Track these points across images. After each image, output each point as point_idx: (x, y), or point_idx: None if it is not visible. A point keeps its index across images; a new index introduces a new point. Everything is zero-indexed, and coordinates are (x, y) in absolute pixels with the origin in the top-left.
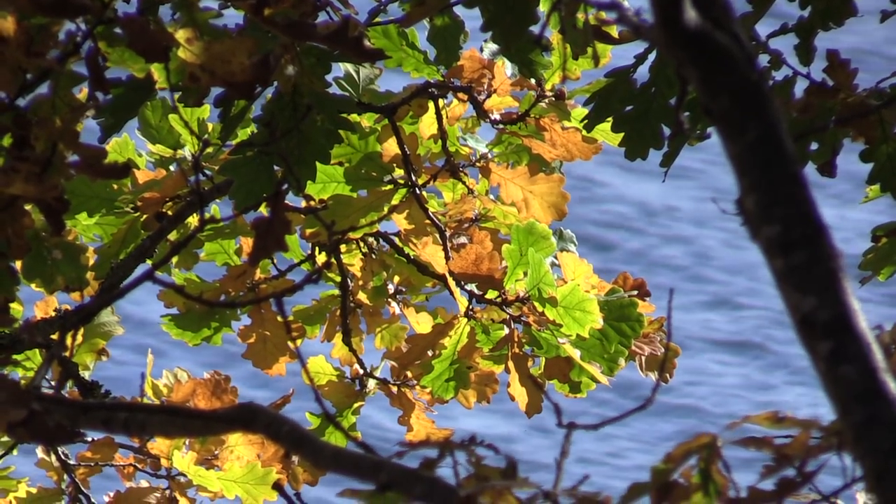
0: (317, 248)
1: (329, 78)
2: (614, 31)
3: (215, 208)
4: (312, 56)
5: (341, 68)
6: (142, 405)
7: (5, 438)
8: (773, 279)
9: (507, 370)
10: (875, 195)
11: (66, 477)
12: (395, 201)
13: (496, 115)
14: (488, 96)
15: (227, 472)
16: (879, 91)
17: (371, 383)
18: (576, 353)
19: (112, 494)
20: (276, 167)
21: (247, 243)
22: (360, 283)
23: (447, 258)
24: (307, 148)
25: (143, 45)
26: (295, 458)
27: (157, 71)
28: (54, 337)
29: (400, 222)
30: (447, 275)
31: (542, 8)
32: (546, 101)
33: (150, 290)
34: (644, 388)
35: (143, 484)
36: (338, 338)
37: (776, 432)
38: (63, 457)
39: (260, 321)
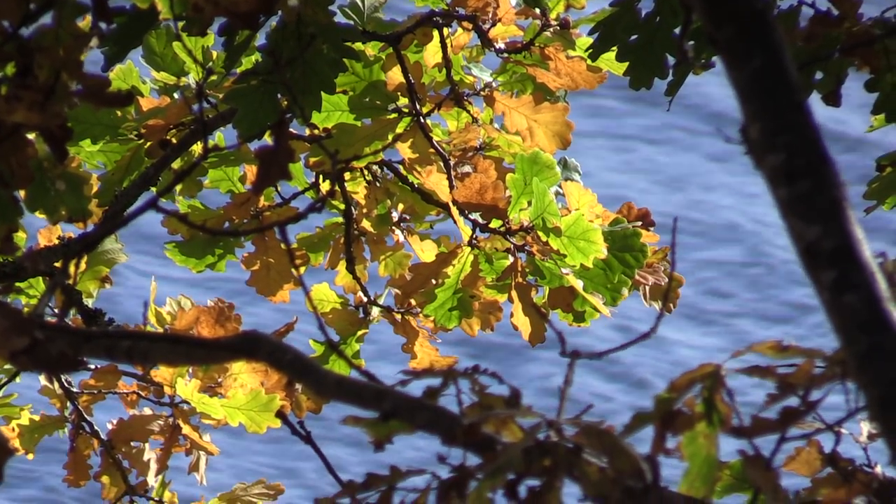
0: (321, 177)
1: (333, 7)
2: None
3: (219, 136)
4: None
5: None
6: (145, 333)
7: (8, 366)
8: (777, 208)
9: (511, 299)
10: (880, 125)
11: (68, 404)
12: (399, 130)
13: (501, 44)
14: (493, 25)
15: (231, 400)
16: (884, 20)
17: (375, 311)
18: (579, 284)
19: (115, 422)
20: (280, 96)
21: (251, 171)
22: (364, 211)
23: (451, 187)
24: (311, 77)
25: None
26: (298, 386)
27: (160, 1)
28: (57, 265)
29: (404, 151)
30: (451, 203)
31: None
32: (551, 30)
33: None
34: None
35: (147, 411)
36: (341, 265)
37: (780, 361)
38: (66, 384)
39: (264, 249)
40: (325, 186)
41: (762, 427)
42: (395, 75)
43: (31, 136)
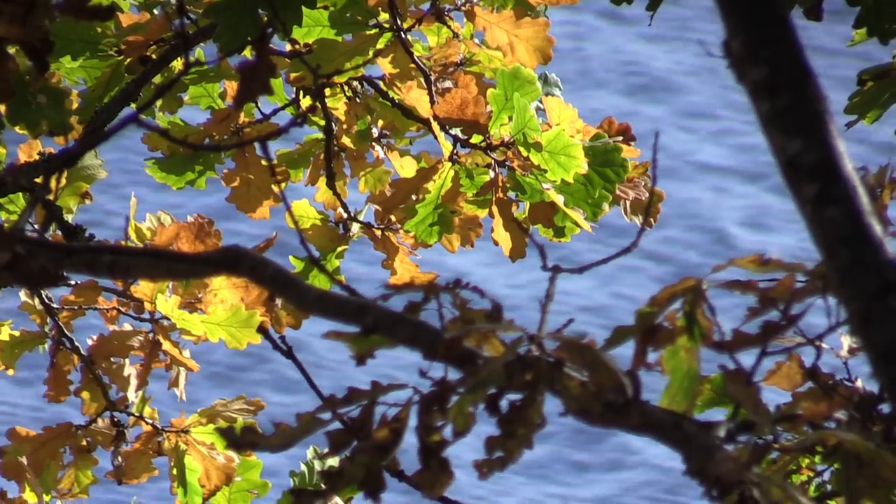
0: (301, 92)
1: None
2: None
3: (199, 52)
4: None
5: None
6: (126, 248)
7: None
8: (759, 122)
9: (491, 214)
10: (861, 39)
11: (49, 320)
12: (379, 45)
13: None
14: None
15: (211, 316)
16: None
17: (355, 227)
18: (560, 198)
19: (95, 338)
20: (260, 11)
21: (231, 87)
22: (345, 126)
23: (432, 102)
24: None
25: None
26: (278, 301)
27: None
28: (38, 180)
29: (385, 66)
30: (432, 119)
31: None
32: None
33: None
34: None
35: (127, 327)
36: (322, 182)
37: (761, 275)
38: (46, 300)
39: (244, 165)
40: (305, 102)
41: (743, 341)
42: None
43: (11, 50)
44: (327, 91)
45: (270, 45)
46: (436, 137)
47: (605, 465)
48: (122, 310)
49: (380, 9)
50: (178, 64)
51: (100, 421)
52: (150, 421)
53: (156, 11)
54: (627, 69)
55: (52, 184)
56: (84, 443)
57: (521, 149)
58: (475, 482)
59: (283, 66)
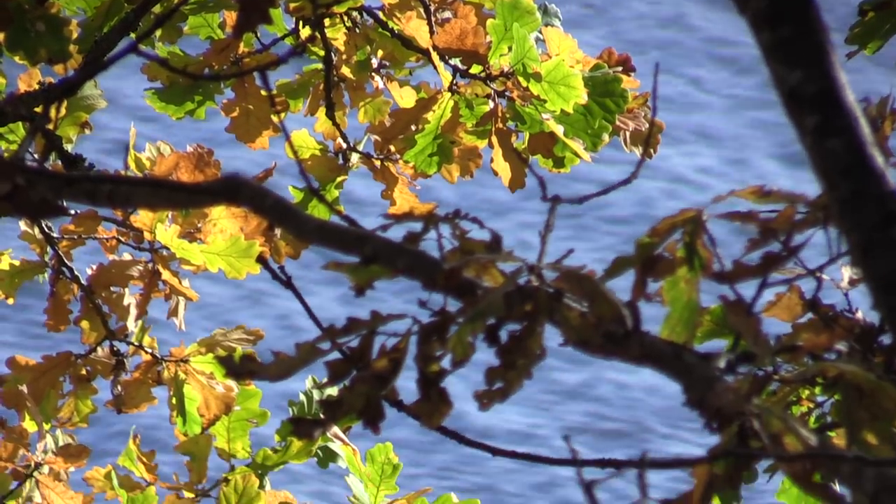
0: (301, 22)
1: None
2: None
3: None
4: None
5: None
6: (126, 178)
7: None
8: (760, 54)
9: (491, 145)
10: None
11: (49, 249)
12: None
13: None
14: None
15: (210, 245)
16: None
17: (354, 157)
18: (559, 129)
19: (95, 267)
20: None
21: (231, 17)
22: (344, 57)
23: (431, 32)
24: None
25: None
26: (277, 232)
27: None
28: (38, 110)
29: None
30: (431, 49)
31: None
32: None
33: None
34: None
35: (126, 257)
36: (321, 112)
37: (762, 207)
38: (46, 229)
39: (243, 95)
40: (304, 32)
41: (743, 272)
42: None
43: None
44: (327, 21)
45: None
46: (435, 68)
47: None
48: (122, 239)
49: None
50: None
51: (99, 350)
52: (149, 350)
53: None
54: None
55: (52, 113)
56: (84, 372)
57: (521, 79)
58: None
59: None
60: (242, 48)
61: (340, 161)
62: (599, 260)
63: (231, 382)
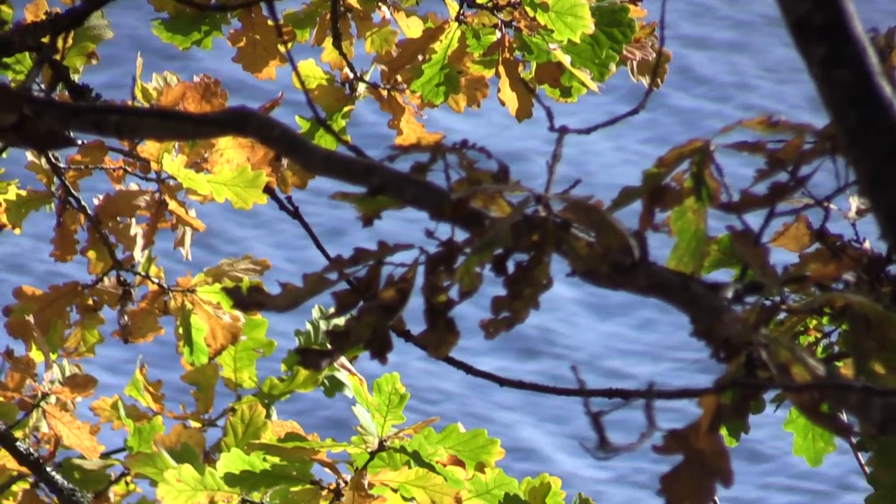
0: None
1: None
2: None
3: None
4: None
5: None
6: (133, 108)
7: None
8: None
9: (498, 75)
10: None
11: (55, 180)
12: None
13: None
14: None
15: (217, 176)
16: None
17: (361, 87)
18: (566, 59)
19: (101, 197)
20: None
21: None
22: None
23: None
24: None
25: None
26: (284, 162)
27: None
28: (45, 40)
29: None
30: None
31: None
32: None
33: None
34: None
35: (133, 187)
36: (328, 42)
37: (769, 137)
38: (53, 160)
39: (250, 25)
40: None
41: (751, 202)
42: None
43: None
44: None
45: None
46: None
47: None
48: (129, 169)
49: None
50: None
51: (106, 280)
52: (156, 280)
53: None
54: None
55: (59, 44)
56: (90, 302)
57: (528, 9)
58: None
59: None
60: None
61: (347, 91)
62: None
63: (238, 312)
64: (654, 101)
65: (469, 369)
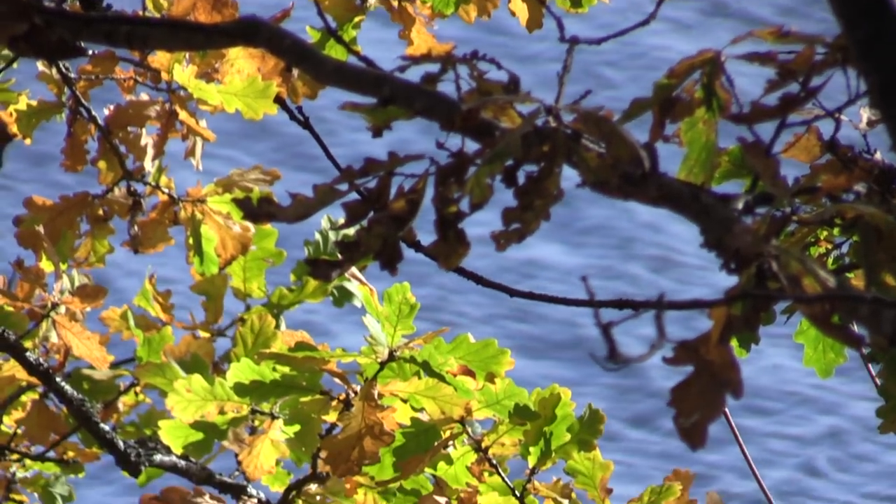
0: None
1: None
2: None
3: None
4: None
5: None
6: (144, 18)
7: (5, 52)
8: None
9: None
10: None
11: (66, 90)
12: None
13: None
14: None
15: (228, 86)
16: None
17: None
18: None
19: (112, 107)
20: None
21: None
22: None
23: None
24: None
25: None
26: (295, 72)
27: None
28: None
29: None
30: None
31: None
32: None
33: None
34: None
35: (144, 97)
36: None
37: (780, 48)
38: (64, 70)
39: None
40: None
41: (761, 113)
42: None
43: None
44: None
45: None
46: None
47: None
48: (139, 80)
49: None
50: None
51: (116, 190)
52: (166, 190)
53: None
54: None
55: None
56: (101, 212)
57: None
58: None
59: None
60: None
61: (358, 1)
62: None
63: (248, 223)
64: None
65: (479, 280)
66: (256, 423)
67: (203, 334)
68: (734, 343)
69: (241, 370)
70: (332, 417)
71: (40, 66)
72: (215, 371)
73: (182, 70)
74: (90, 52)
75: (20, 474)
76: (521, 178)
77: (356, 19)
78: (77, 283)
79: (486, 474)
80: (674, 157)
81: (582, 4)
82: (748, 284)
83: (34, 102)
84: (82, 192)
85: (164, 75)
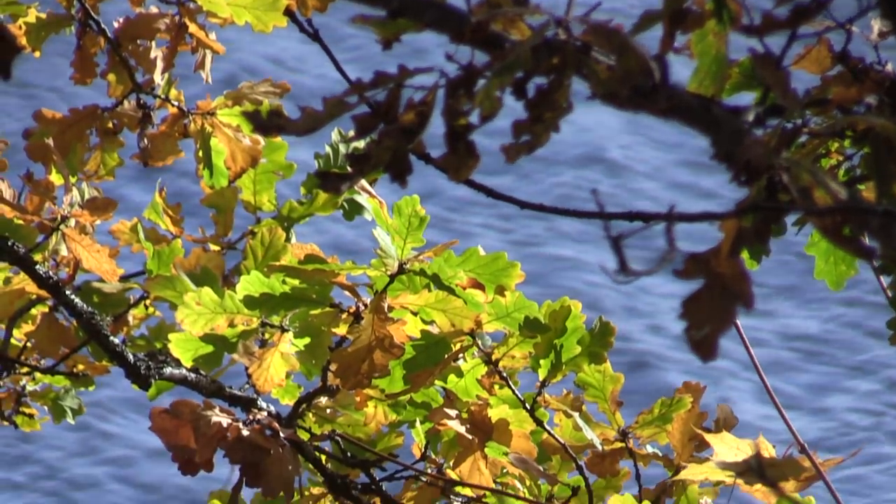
0: None
1: None
2: None
3: None
4: None
5: None
6: None
7: None
8: None
9: None
10: None
11: (75, 2)
12: None
13: None
14: None
15: None
16: None
17: None
18: None
19: (121, 20)
20: None
21: None
22: None
23: None
24: None
25: None
26: None
27: None
28: None
29: None
30: None
31: None
32: None
33: None
34: None
35: (153, 10)
36: None
37: None
38: None
39: None
40: None
41: (772, 25)
42: None
43: None
44: None
45: None
46: None
47: None
48: None
49: None
50: None
51: (126, 103)
52: (175, 103)
53: None
54: None
55: None
56: (110, 125)
57: None
58: None
59: None
60: None
61: None
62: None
63: (257, 135)
64: None
65: (489, 192)
66: (266, 335)
67: (213, 247)
68: (745, 255)
69: (251, 283)
70: (342, 330)
71: None
72: (225, 284)
73: None
74: None
75: (30, 387)
76: (531, 91)
77: None
78: (87, 196)
79: (496, 387)
80: (684, 69)
81: None
82: (759, 196)
83: (43, 15)
84: (92, 104)
85: None
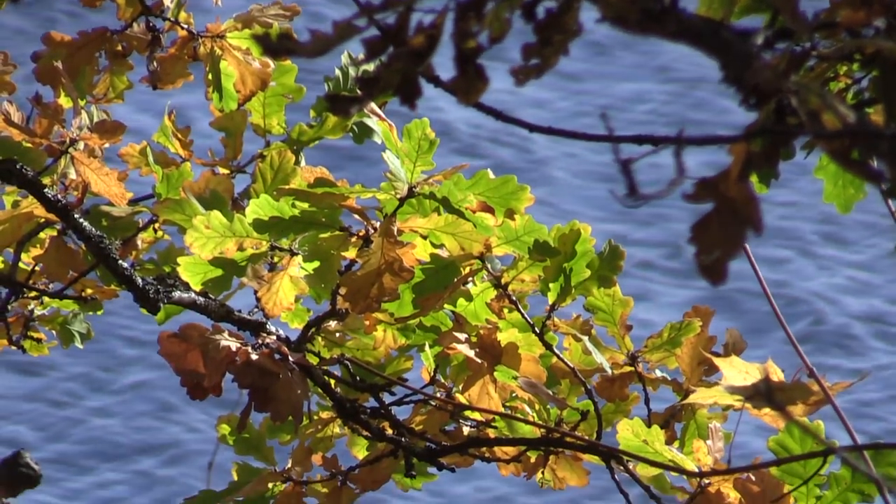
0: None
1: None
2: None
3: None
4: None
5: None
6: None
7: None
8: None
9: None
10: None
11: None
12: None
13: None
14: None
15: None
16: None
17: None
18: None
19: None
20: None
21: None
22: None
23: None
24: None
25: None
26: None
27: None
28: None
29: None
30: None
31: None
32: None
33: None
34: None
35: None
36: None
37: None
38: None
39: None
40: None
41: None
42: None
43: None
44: None
45: None
46: None
47: None
48: None
49: None
50: None
51: (135, 26)
52: (185, 26)
53: None
54: None
55: None
56: (119, 48)
57: None
58: None
59: None
60: None
61: None
62: None
63: (267, 59)
64: None
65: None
66: (275, 259)
67: (222, 170)
68: (754, 179)
69: (261, 206)
70: (351, 254)
71: None
72: (234, 207)
73: None
74: None
75: (38, 311)
76: (540, 13)
77: None
78: (96, 119)
79: (505, 311)
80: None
81: None
82: (768, 120)
83: None
84: (101, 27)
85: None
